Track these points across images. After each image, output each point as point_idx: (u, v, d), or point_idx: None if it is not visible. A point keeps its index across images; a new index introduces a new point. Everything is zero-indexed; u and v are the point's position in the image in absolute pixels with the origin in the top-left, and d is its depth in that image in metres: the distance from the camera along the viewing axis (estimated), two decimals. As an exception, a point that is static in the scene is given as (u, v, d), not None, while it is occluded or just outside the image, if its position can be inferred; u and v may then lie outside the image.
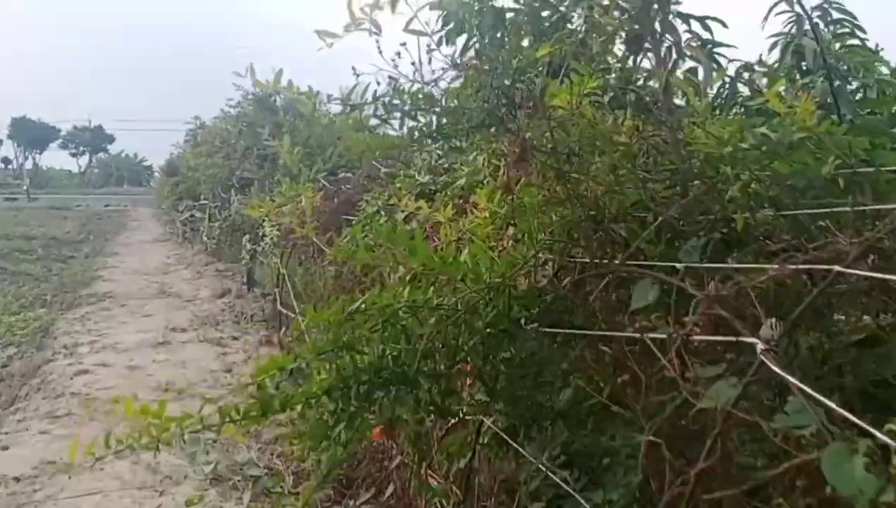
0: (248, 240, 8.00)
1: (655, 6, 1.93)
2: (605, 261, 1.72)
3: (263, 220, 7.12)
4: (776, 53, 2.99)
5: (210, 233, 9.85)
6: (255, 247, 7.56)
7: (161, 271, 9.03)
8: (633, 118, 1.82)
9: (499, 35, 4.95)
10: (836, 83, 2.64)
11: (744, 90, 2.46)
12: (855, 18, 3.03)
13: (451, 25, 6.23)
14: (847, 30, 3.03)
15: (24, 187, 42.44)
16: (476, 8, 5.73)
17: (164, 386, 4.26)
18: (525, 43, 3.61)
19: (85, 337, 5.60)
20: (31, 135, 71.29)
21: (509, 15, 3.91)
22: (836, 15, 3.01)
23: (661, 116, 1.86)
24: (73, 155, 74.91)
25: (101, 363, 4.85)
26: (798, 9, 2.84)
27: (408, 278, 1.70)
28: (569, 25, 3.40)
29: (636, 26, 2.01)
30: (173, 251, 11.08)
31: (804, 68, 2.93)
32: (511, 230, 1.90)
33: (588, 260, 1.73)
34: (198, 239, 11.37)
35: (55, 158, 76.33)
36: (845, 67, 2.98)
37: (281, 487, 2.99)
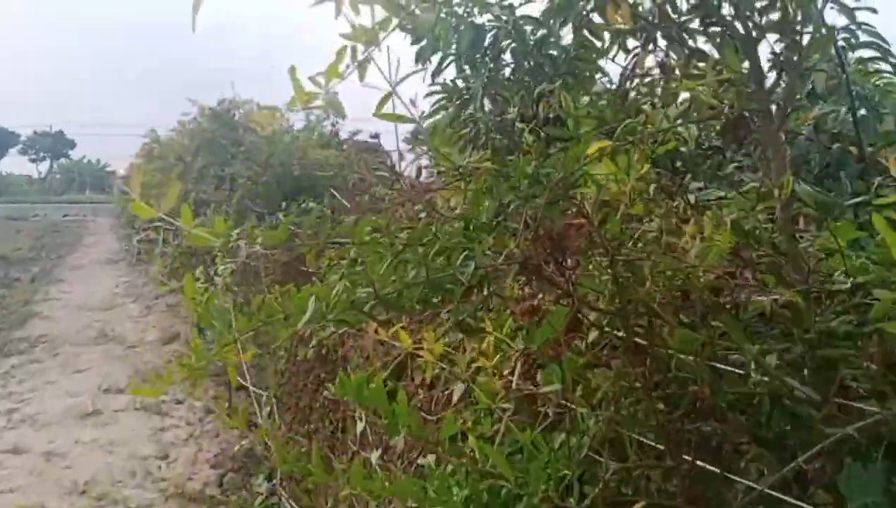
0: (201, 272, 7.16)
1: None
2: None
3: (216, 254, 6.35)
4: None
5: (163, 262, 9.00)
6: (207, 283, 6.73)
7: (106, 306, 8.18)
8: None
9: (478, 56, 4.29)
10: (861, 111, 2.26)
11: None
12: (886, 43, 2.44)
13: (425, 43, 5.25)
14: (876, 54, 2.48)
15: (-22, 197, 40.57)
16: (453, 24, 4.85)
17: (81, 487, 3.47)
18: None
19: (2, 404, 4.78)
20: (-11, 140, 68.86)
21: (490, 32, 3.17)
22: (863, 38, 2.41)
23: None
24: (34, 160, 72.52)
25: (13, 448, 4.04)
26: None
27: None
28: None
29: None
30: (124, 277, 10.18)
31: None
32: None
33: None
34: (152, 262, 10.50)
35: (15, 164, 73.74)
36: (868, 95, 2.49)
37: None
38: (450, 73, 3.50)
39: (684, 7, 1.35)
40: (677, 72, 1.37)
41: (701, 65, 1.31)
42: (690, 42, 1.32)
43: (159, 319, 7.29)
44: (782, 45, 1.25)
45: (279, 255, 4.42)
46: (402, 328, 1.67)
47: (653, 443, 1.09)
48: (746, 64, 1.23)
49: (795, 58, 1.21)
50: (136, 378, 5.32)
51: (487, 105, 3.22)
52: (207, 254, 7.80)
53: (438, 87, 5.99)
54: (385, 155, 10.82)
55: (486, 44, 5.32)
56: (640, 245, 1.17)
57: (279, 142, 8.75)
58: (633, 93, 1.88)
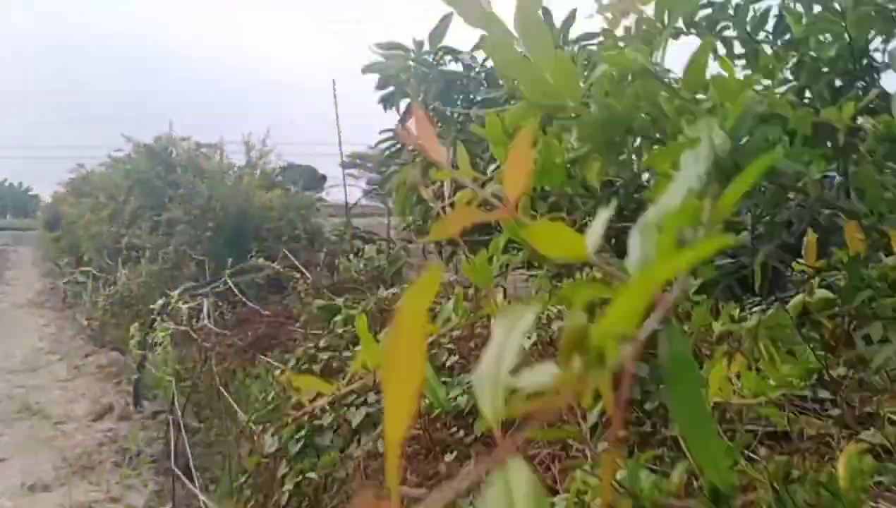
0: (136, 329, 6.50)
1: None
2: None
3: (155, 317, 5.76)
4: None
5: (91, 312, 8.26)
6: (144, 343, 6.08)
7: (29, 365, 7.41)
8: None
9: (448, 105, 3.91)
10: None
11: None
12: None
13: (392, 89, 4.86)
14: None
15: None
16: (421, 73, 4.51)
17: None
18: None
19: None
20: None
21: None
22: None
23: None
24: (-51, 183, 68.50)
25: None
26: None
27: None
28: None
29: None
30: (50, 327, 9.35)
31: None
32: None
33: None
34: (80, 306, 9.68)
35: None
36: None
37: None
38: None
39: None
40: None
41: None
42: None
43: (89, 385, 6.60)
44: None
45: (234, 337, 3.93)
46: None
47: None
48: None
49: None
50: (66, 469, 4.70)
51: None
52: (143, 305, 7.16)
53: (390, 133, 5.55)
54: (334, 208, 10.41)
55: (456, 94, 4.97)
56: None
57: (220, 183, 8.22)
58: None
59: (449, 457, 1.65)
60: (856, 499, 0.74)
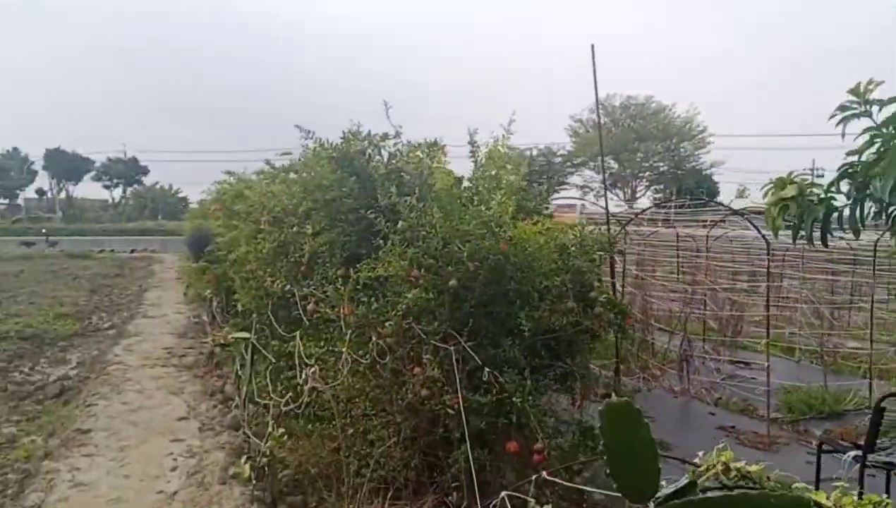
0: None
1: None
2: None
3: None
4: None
5: (256, 420, 5.06)
6: None
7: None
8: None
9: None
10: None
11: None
12: None
13: None
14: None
15: (44, 231, 38.64)
16: None
17: None
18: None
19: None
20: (65, 166, 68.78)
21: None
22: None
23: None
24: (107, 187, 72.12)
25: None
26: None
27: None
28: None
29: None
30: (190, 424, 6.39)
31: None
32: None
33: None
34: (233, 384, 6.64)
35: (89, 189, 73.61)
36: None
37: None
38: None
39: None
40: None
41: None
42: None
43: None
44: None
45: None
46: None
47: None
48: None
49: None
50: None
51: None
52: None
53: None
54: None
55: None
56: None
57: (458, 213, 4.77)
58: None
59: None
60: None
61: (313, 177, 5.95)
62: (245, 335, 5.83)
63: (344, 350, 4.11)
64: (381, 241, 4.80)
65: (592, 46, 7.04)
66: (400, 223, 4.54)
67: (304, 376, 4.02)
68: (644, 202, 55.17)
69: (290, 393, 4.26)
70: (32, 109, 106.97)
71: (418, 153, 5.15)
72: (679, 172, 54.49)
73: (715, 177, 57.76)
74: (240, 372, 6.49)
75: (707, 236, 11.14)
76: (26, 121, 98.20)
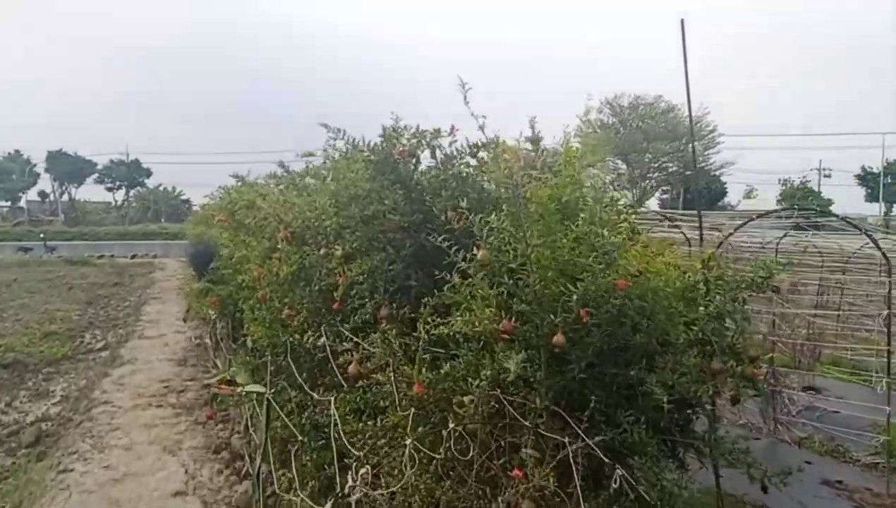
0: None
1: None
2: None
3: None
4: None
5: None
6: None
7: None
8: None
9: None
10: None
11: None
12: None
13: None
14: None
15: (41, 236, 37.42)
16: None
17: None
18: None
19: None
20: (67, 168, 67.68)
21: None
22: None
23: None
24: (109, 189, 71.00)
25: None
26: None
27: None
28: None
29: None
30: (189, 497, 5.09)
31: None
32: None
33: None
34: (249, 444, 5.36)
35: (92, 192, 72.42)
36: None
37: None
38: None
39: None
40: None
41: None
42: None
43: None
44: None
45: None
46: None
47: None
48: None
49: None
50: None
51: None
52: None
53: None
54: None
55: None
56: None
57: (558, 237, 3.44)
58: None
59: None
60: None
61: (346, 186, 4.64)
62: (258, 388, 4.51)
63: (408, 440, 2.79)
64: (440, 271, 3.48)
65: (682, 21, 5.73)
66: (479, 253, 3.21)
67: (349, 480, 2.70)
68: (652, 203, 53.71)
69: (329, 499, 2.94)
70: (34, 111, 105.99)
71: (504, 155, 3.73)
72: (687, 173, 53.12)
73: (723, 178, 56.35)
74: (252, 430, 5.19)
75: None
76: (28, 123, 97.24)
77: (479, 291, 3.11)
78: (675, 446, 3.85)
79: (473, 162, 4.40)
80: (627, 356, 3.38)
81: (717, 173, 55.50)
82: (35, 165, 68.11)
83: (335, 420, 3.40)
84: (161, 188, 69.52)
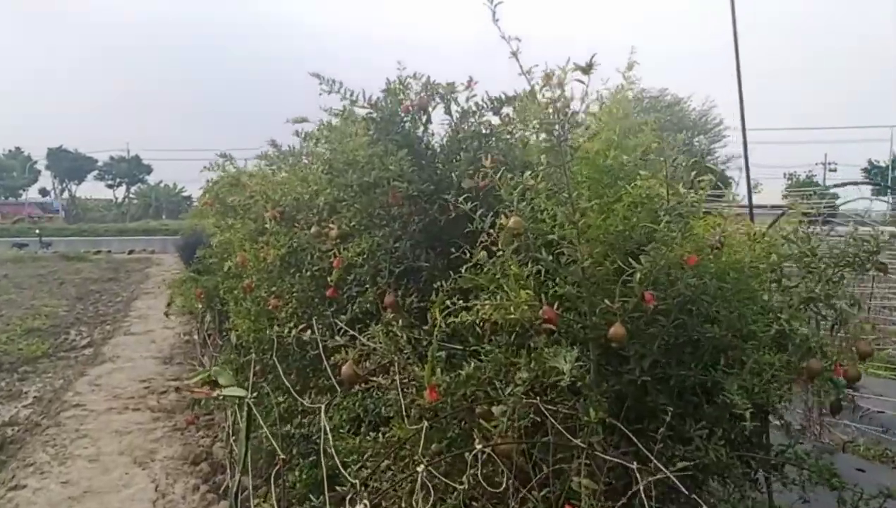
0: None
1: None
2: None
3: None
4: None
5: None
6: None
7: None
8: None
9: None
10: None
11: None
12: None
13: None
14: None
15: (37, 232, 36.77)
16: None
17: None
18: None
19: None
20: (68, 165, 67.15)
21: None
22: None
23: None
24: (110, 186, 70.43)
25: None
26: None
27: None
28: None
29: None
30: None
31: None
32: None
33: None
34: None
35: (93, 188, 71.87)
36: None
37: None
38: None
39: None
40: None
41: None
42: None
43: None
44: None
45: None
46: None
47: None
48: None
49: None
50: None
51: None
52: None
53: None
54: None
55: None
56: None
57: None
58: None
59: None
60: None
61: (342, 151, 3.90)
62: (239, 392, 3.77)
63: (420, 466, 2.06)
64: (455, 249, 2.75)
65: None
66: (511, 220, 2.46)
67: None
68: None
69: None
70: (35, 109, 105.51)
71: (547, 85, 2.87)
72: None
73: (728, 173, 55.55)
74: (233, 440, 4.46)
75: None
76: (29, 120, 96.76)
77: (512, 268, 2.37)
78: (750, 464, 3.12)
79: (496, 120, 3.67)
80: (699, 353, 2.63)
81: (723, 167, 54.73)
82: (36, 162, 67.60)
83: (325, 432, 2.66)
84: (162, 185, 68.91)
